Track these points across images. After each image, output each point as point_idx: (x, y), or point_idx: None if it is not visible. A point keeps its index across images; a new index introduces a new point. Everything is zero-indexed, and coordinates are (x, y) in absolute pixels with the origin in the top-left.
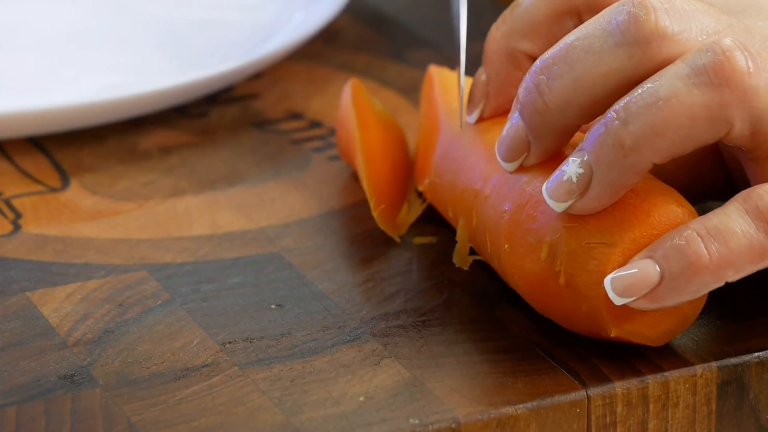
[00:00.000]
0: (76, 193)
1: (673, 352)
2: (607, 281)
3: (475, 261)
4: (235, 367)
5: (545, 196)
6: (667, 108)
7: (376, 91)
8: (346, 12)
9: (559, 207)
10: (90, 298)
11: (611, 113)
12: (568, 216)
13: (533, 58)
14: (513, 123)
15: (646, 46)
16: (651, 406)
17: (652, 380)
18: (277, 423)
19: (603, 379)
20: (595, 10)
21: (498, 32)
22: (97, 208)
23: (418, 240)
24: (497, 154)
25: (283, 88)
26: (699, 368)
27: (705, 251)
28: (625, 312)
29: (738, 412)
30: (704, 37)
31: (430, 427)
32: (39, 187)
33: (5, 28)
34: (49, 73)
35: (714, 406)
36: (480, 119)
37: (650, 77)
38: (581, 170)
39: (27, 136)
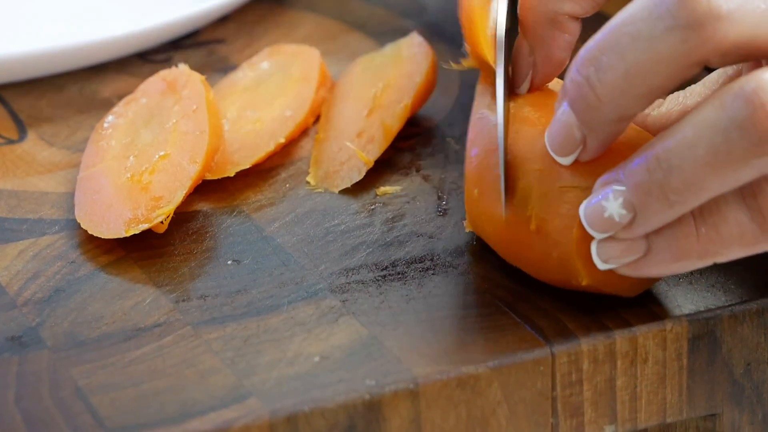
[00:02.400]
0: (33, 145)
1: (641, 306)
2: (594, 247)
3: (438, 215)
4: (188, 327)
5: (584, 222)
6: (708, 167)
7: (345, 33)
8: None
9: (599, 236)
10: (42, 255)
11: (653, 157)
12: (541, 158)
13: (576, 18)
14: (563, 116)
15: (700, 29)
16: (619, 363)
17: (620, 336)
18: (228, 385)
19: (568, 336)
20: None
21: None
22: (53, 161)
23: (382, 190)
24: (549, 148)
25: (250, 32)
26: (668, 322)
27: (695, 232)
28: None
29: (710, 367)
30: (765, 5)
31: (386, 389)
32: None
33: None
34: (7, 20)
35: (685, 361)
36: (531, 90)
37: (689, 116)
38: (624, 212)
39: None
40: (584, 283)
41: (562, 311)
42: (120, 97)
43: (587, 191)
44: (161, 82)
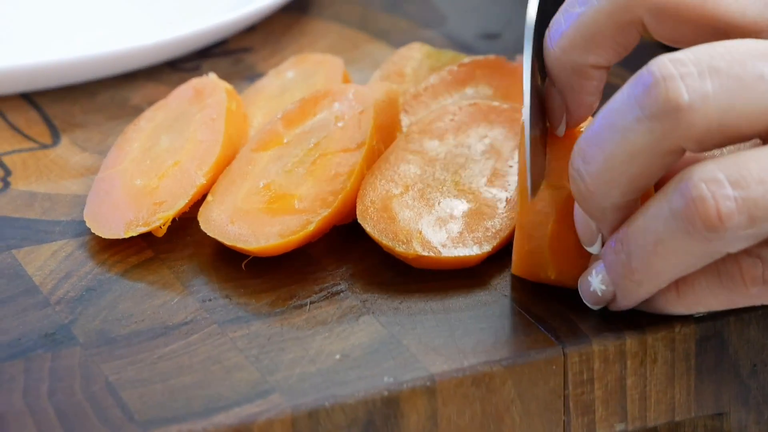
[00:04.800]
0: (66, 150)
1: None
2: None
3: None
4: (214, 325)
5: (579, 291)
6: (657, 254)
7: (368, 43)
8: None
9: (592, 307)
10: (74, 255)
11: (618, 240)
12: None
13: (602, 67)
14: (576, 210)
15: (665, 120)
16: (629, 363)
17: (630, 336)
18: (253, 381)
19: (580, 336)
20: (659, 18)
21: (558, 49)
22: (85, 165)
23: None
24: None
25: (276, 41)
26: (677, 324)
27: (675, 290)
28: (568, 257)
29: (718, 368)
30: (728, 97)
31: (404, 386)
32: (30, 144)
33: None
34: (41, 27)
35: (693, 362)
36: (567, 131)
37: (645, 204)
38: (604, 287)
39: (20, 92)
40: (552, 276)
41: (574, 312)
42: (150, 104)
43: (562, 191)
44: (191, 90)
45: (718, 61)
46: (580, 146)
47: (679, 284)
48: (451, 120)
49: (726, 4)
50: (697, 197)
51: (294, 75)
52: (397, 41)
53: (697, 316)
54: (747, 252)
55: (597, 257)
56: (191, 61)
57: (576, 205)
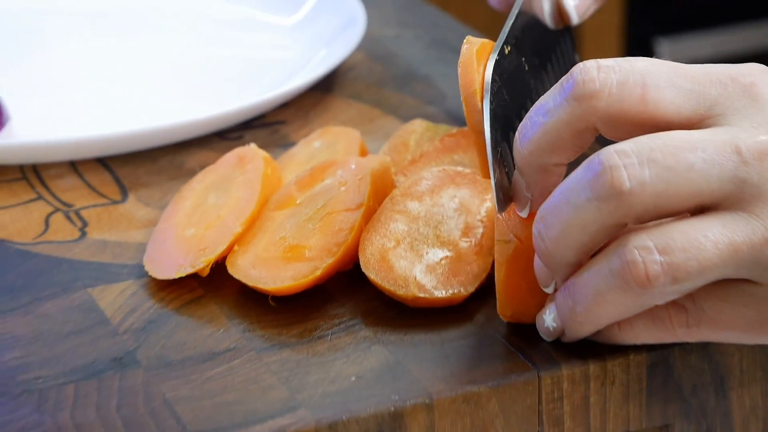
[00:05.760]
0: (132, 205)
1: None
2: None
3: None
4: (252, 352)
5: (537, 328)
6: (596, 303)
7: (381, 117)
8: (359, 50)
9: (547, 339)
10: (138, 293)
11: (566, 288)
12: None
13: (562, 164)
14: (536, 260)
15: (610, 202)
16: (591, 384)
17: (593, 363)
18: (284, 398)
19: (552, 362)
20: (609, 123)
21: (527, 152)
22: (148, 218)
23: None
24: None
25: (305, 114)
26: (631, 352)
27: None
28: (520, 299)
29: (665, 388)
30: (664, 185)
31: (407, 403)
32: (103, 200)
33: (79, 68)
34: (115, 103)
35: (644, 383)
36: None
37: (587, 265)
38: (554, 324)
39: (96, 157)
40: (508, 314)
41: (546, 343)
42: (202, 167)
43: (509, 243)
44: (235, 157)
45: (656, 153)
46: (542, 214)
47: (621, 323)
48: (426, 184)
49: (664, 107)
50: (630, 261)
51: (320, 144)
52: (405, 116)
53: (646, 346)
54: (674, 302)
55: (551, 299)
56: (236, 132)
57: (536, 256)
